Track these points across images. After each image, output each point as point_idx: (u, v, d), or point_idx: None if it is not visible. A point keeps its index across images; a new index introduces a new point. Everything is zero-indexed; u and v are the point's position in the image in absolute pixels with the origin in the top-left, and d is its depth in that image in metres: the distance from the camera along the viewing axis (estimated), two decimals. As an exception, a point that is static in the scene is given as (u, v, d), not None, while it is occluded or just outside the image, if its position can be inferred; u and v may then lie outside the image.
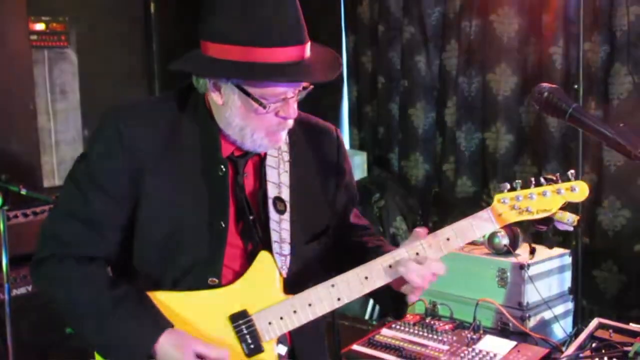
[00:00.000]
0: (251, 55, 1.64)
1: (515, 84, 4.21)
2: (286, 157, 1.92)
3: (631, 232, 3.74)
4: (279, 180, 1.89)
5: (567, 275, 3.06)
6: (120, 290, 1.79)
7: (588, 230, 3.84)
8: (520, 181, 1.78)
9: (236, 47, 1.65)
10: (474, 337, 2.62)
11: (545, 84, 1.99)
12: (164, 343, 1.74)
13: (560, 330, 2.88)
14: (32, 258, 1.85)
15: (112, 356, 1.79)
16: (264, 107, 1.70)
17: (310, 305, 1.82)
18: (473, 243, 3.04)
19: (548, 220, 1.80)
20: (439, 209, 4.63)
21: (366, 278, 1.81)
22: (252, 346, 1.82)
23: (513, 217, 1.79)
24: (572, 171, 1.78)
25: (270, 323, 1.83)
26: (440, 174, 4.67)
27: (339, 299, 1.82)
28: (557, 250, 3.06)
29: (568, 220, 1.79)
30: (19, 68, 3.79)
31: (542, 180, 1.77)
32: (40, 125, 4.00)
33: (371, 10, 4.96)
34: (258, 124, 1.74)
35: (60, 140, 4.12)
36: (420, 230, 1.84)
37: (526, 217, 1.79)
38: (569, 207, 1.80)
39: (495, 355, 2.48)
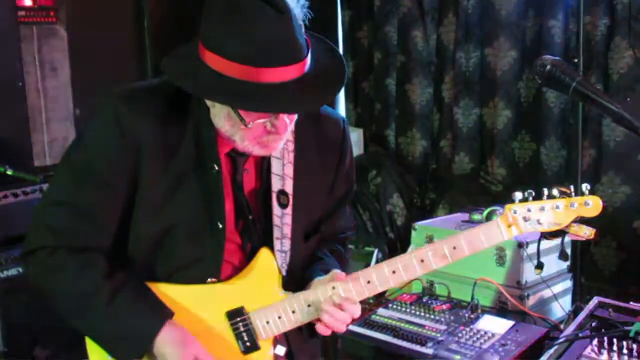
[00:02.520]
0: (241, 73, 1.57)
1: (514, 58, 4.16)
2: (290, 146, 1.87)
3: (630, 208, 3.71)
4: (283, 172, 1.85)
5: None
6: (117, 279, 1.74)
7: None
8: (532, 192, 1.75)
9: (227, 61, 1.57)
10: (472, 316, 2.59)
11: (547, 56, 1.93)
12: (165, 337, 1.71)
13: (559, 308, 2.84)
14: (22, 248, 1.79)
15: (110, 348, 1.75)
16: (245, 125, 1.65)
17: (309, 306, 1.79)
18: (471, 221, 3.00)
19: (560, 233, 1.76)
20: (436, 185, 4.59)
21: (368, 282, 1.79)
22: (248, 344, 1.80)
23: (523, 229, 1.75)
24: (587, 185, 1.74)
25: (267, 322, 1.80)
26: (438, 151, 4.63)
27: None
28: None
29: (584, 234, 1.75)
30: (6, 45, 3.71)
31: (555, 192, 1.73)
32: (30, 104, 3.93)
33: (367, -16, 4.89)
34: (245, 133, 1.69)
35: (51, 118, 4.05)
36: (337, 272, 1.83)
37: (537, 228, 1.76)
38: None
39: (493, 334, 2.44)
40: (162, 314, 1.74)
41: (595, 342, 2.20)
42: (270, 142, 1.71)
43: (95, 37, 4.18)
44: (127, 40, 4.41)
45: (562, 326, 2.67)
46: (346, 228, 2.10)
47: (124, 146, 1.70)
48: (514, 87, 4.19)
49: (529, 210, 1.73)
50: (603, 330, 2.27)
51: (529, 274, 2.75)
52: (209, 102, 1.71)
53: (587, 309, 2.44)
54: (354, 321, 1.87)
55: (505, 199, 3.98)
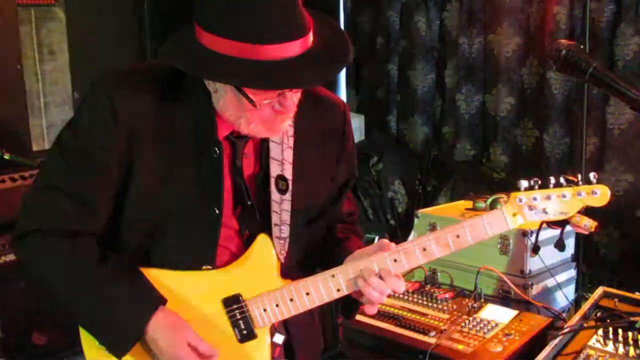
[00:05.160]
0: (244, 52, 1.51)
1: (518, 44, 4.12)
2: (290, 131, 1.81)
3: (633, 197, 3.69)
4: (282, 157, 1.80)
5: (570, 242, 2.99)
6: (109, 265, 1.70)
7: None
8: (538, 180, 1.70)
9: (228, 41, 1.52)
10: (475, 305, 2.57)
11: (563, 41, 1.88)
12: (157, 323, 1.67)
13: (563, 298, 2.82)
14: (14, 232, 1.74)
15: (100, 335, 1.71)
16: (254, 106, 1.60)
17: (308, 294, 1.75)
18: (474, 209, 2.98)
19: (563, 222, 1.72)
20: (437, 172, 4.56)
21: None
22: (244, 332, 1.75)
23: (529, 218, 1.71)
24: (594, 173, 1.69)
25: (265, 310, 1.76)
26: (440, 137, 4.61)
27: (338, 290, 1.75)
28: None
29: (585, 225, 1.71)
30: (4, 27, 3.66)
31: (562, 180, 1.69)
32: (29, 87, 3.88)
33: (369, -32, 4.84)
34: (253, 115, 1.63)
35: (49, 102, 4.01)
36: (385, 242, 1.77)
37: (542, 218, 1.71)
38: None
39: (496, 324, 2.42)
40: (154, 301, 1.70)
41: (600, 332, 2.18)
42: (278, 122, 1.66)
43: (94, 20, 4.12)
44: (127, 23, 4.34)
45: (564, 315, 2.65)
46: (352, 210, 2.07)
47: (117, 130, 1.65)
48: (518, 74, 4.15)
49: (535, 198, 1.69)
50: (608, 320, 2.24)
51: (533, 263, 2.73)
52: (210, 87, 1.67)
53: (592, 298, 2.42)
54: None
55: (507, 186, 3.98)
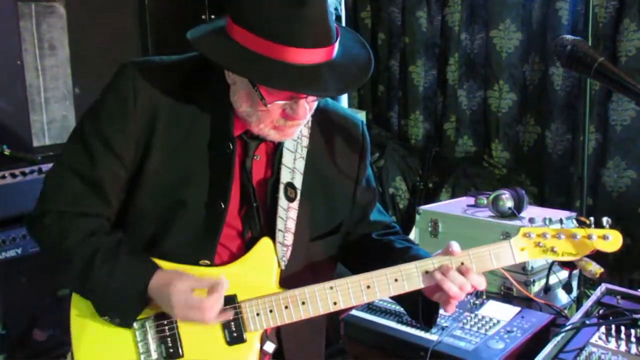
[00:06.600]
0: (269, 50, 1.53)
1: (520, 40, 4.11)
2: (305, 142, 1.82)
3: (635, 194, 3.68)
4: (293, 166, 1.80)
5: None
6: (115, 237, 1.75)
7: (592, 191, 3.77)
8: (549, 217, 1.69)
9: (256, 38, 1.53)
10: (477, 302, 2.56)
11: (567, 36, 1.86)
12: (158, 281, 1.68)
13: (565, 295, 2.81)
14: (31, 211, 1.79)
15: (108, 307, 1.72)
16: (265, 105, 1.60)
17: (303, 303, 1.73)
18: (476, 205, 2.96)
19: (571, 264, 1.71)
20: (439, 168, 4.55)
21: (368, 287, 1.73)
22: (234, 335, 1.74)
23: (536, 254, 1.71)
24: (607, 218, 1.68)
25: (258, 314, 1.74)
26: (441, 133, 4.60)
27: (335, 303, 1.73)
28: (562, 213, 2.98)
29: (590, 271, 1.70)
30: (4, 22, 3.66)
31: (574, 221, 1.68)
32: (29, 83, 3.87)
33: (371, -36, 4.83)
34: (263, 115, 1.65)
35: (50, 97, 4.00)
36: (454, 244, 1.75)
37: (550, 256, 1.70)
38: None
39: (498, 321, 2.41)
40: (152, 265, 1.72)
41: (602, 329, 2.17)
42: (287, 127, 1.67)
43: (95, 15, 4.11)
44: (127, 18, 4.33)
45: (566, 312, 2.65)
46: (389, 220, 2.05)
47: (137, 117, 1.69)
48: (519, 70, 4.14)
49: (544, 236, 1.68)
50: (611, 317, 2.23)
51: (535, 260, 2.72)
52: (229, 80, 1.68)
53: (594, 296, 2.40)
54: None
55: (508, 182, 3.96)
